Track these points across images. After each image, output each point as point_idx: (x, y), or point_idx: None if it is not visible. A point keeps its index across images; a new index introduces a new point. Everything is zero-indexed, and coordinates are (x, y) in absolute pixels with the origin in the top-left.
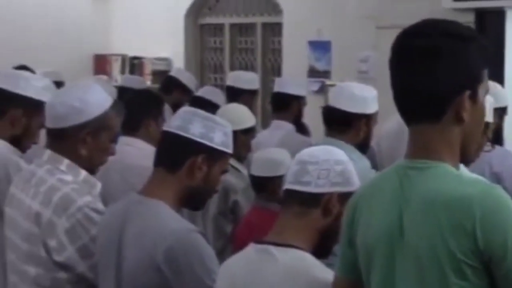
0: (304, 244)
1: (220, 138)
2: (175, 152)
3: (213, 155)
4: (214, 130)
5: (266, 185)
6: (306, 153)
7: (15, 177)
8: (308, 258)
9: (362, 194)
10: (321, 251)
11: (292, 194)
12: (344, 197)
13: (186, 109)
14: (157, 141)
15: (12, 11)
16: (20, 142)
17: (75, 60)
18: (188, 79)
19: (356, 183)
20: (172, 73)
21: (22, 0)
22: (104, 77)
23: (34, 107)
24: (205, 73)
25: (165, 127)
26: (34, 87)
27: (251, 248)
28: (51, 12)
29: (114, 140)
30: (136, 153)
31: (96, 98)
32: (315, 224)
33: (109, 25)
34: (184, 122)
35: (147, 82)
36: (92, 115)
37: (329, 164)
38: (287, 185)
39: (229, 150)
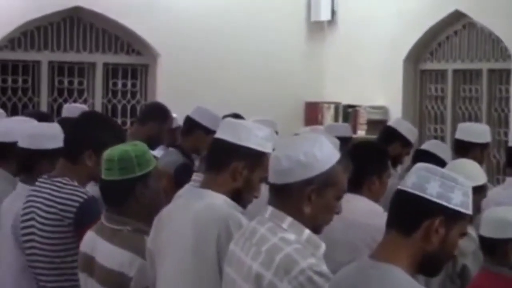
0: None
1: (459, 199)
2: (410, 214)
3: (452, 217)
4: (453, 189)
5: (496, 248)
6: None
7: (236, 235)
8: None
9: None
10: None
11: None
12: None
13: (422, 166)
14: (379, 198)
15: (227, 58)
16: (241, 196)
17: (285, 107)
18: (408, 131)
19: None
20: (391, 124)
21: (237, 47)
22: (320, 127)
23: (256, 159)
24: (425, 123)
25: (400, 186)
26: (256, 137)
27: None
28: (264, 59)
29: (340, 198)
30: (358, 210)
31: (324, 152)
32: None
33: (322, 72)
34: (420, 180)
35: (361, 132)
36: (319, 170)
37: None
38: None
39: (469, 211)
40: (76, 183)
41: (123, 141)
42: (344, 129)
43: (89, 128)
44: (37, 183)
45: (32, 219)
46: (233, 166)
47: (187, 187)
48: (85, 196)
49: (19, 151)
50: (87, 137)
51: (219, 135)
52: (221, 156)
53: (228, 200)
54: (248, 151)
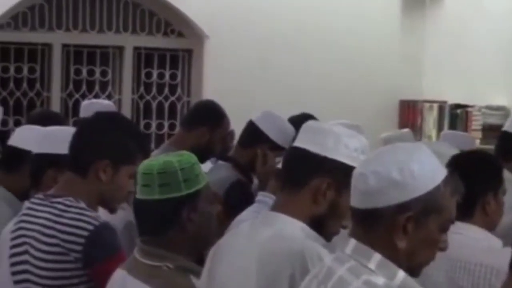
0: None
1: None
2: None
3: None
4: None
5: None
6: None
7: (306, 277)
8: None
9: None
10: None
11: None
12: None
13: None
14: (497, 222)
15: (298, 44)
16: (324, 224)
17: (374, 107)
18: None
19: None
20: (508, 128)
21: (312, 29)
22: (405, 130)
23: (346, 176)
24: None
25: None
26: (346, 148)
27: None
28: (347, 45)
29: (446, 229)
30: (469, 245)
31: (425, 168)
32: None
33: (422, 61)
34: None
35: (475, 140)
36: (418, 192)
37: None
38: None
39: None
40: (83, 205)
41: (148, 153)
42: (465, 140)
43: (107, 132)
44: (28, 204)
45: (26, 252)
46: (314, 184)
47: (252, 209)
48: (95, 223)
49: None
50: (103, 143)
51: (298, 143)
52: (300, 170)
53: (306, 228)
54: (335, 166)
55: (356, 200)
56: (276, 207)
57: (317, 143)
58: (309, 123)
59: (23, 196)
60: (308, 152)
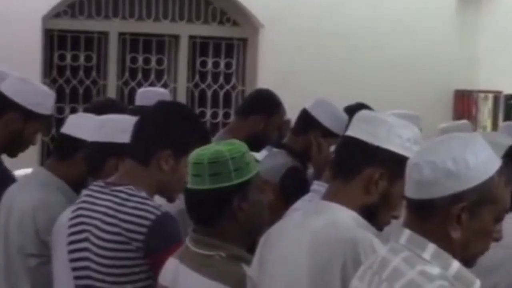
0: None
1: None
2: None
3: None
4: None
5: None
6: None
7: (361, 267)
8: None
9: None
10: None
11: None
12: None
13: None
14: None
15: (353, 34)
16: (376, 214)
17: (428, 97)
18: None
19: None
20: None
21: (367, 19)
22: (463, 121)
23: (398, 167)
24: None
25: None
26: (399, 137)
27: None
28: (402, 35)
29: (500, 219)
30: None
31: (479, 159)
32: None
33: (477, 51)
34: None
35: None
36: (472, 182)
37: None
38: None
39: None
40: (144, 194)
41: (208, 143)
42: None
43: (171, 122)
44: (87, 192)
45: (86, 240)
46: (366, 174)
47: (307, 198)
48: (158, 213)
49: (87, 147)
50: (167, 133)
51: (350, 132)
52: (352, 159)
53: (358, 217)
54: (387, 156)
55: (410, 190)
56: (327, 196)
57: (370, 133)
58: (362, 112)
59: (75, 184)
60: (361, 142)
